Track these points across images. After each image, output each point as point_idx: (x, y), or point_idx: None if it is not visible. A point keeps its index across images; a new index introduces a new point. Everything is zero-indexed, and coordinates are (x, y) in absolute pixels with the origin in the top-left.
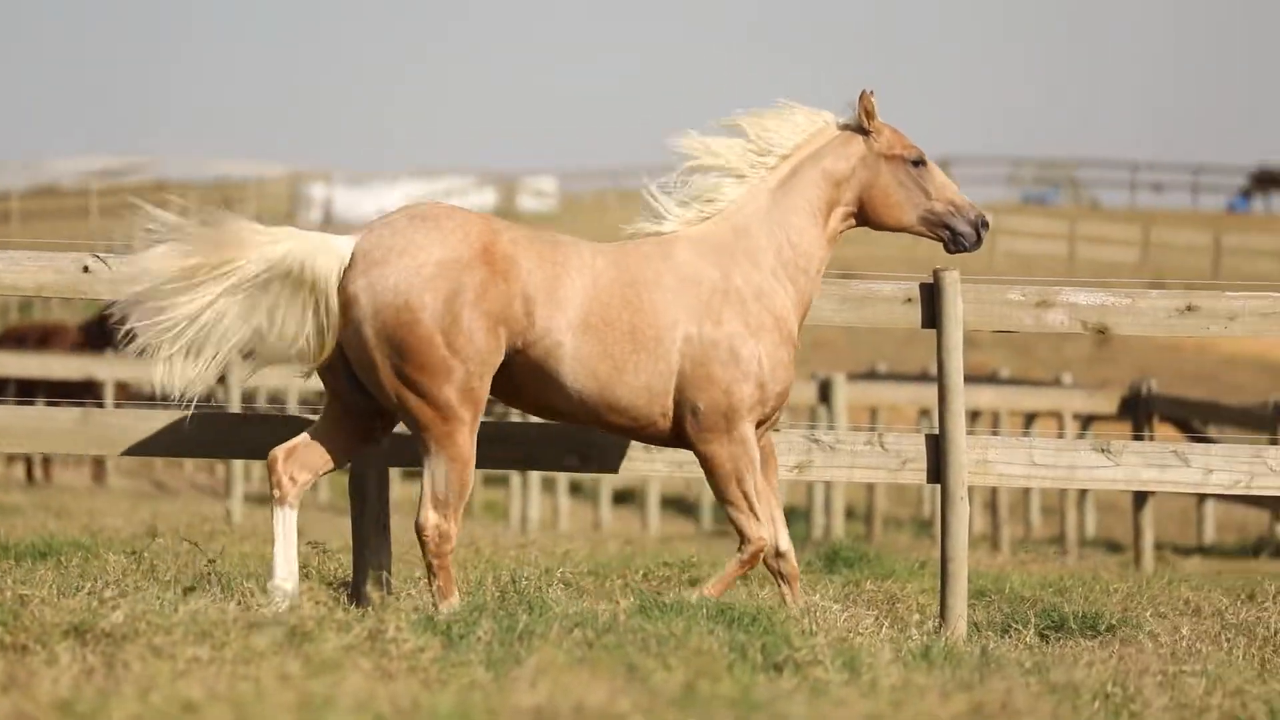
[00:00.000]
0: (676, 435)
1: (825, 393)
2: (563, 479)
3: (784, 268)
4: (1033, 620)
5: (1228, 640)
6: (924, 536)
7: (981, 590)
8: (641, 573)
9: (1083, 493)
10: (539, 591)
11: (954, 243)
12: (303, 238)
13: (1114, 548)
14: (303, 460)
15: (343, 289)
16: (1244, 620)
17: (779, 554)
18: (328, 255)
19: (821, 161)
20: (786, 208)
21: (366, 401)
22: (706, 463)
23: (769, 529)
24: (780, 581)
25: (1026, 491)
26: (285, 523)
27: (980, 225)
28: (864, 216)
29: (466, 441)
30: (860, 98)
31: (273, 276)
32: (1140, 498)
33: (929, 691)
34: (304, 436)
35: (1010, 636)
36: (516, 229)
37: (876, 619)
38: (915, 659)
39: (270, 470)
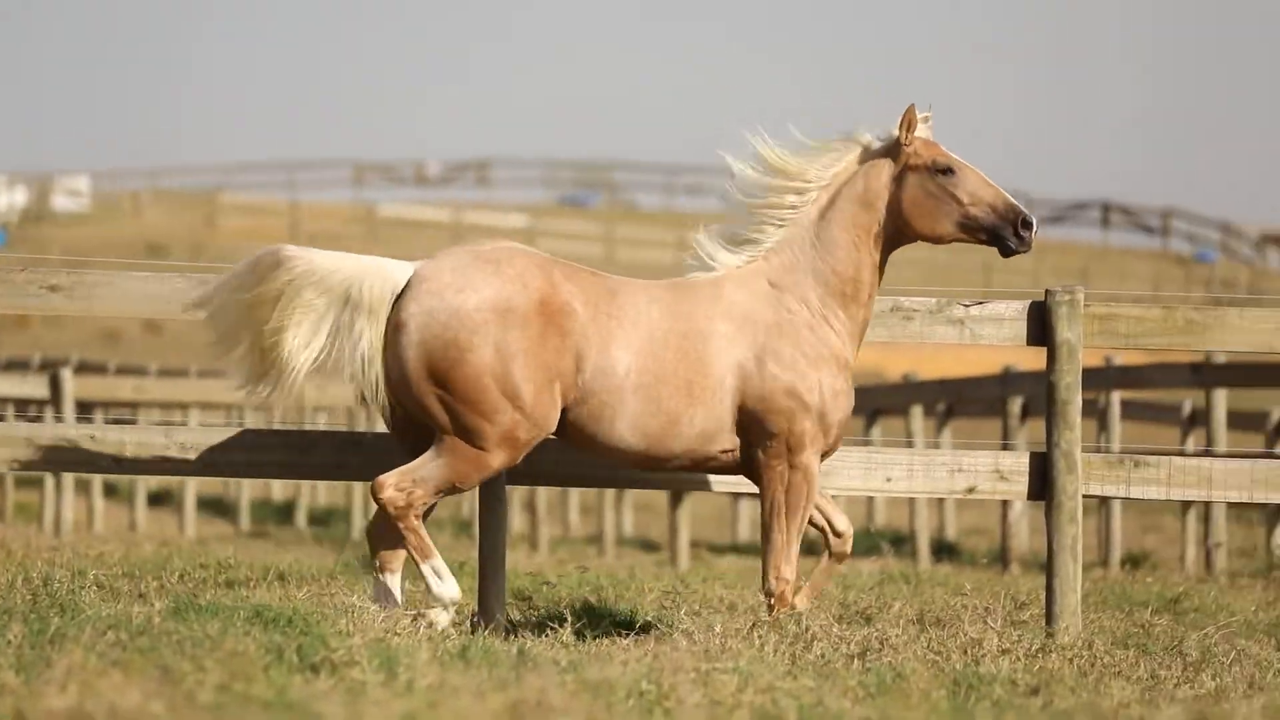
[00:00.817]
0: (741, 466)
1: None
2: (98, 480)
3: (833, 297)
4: (569, 619)
5: (760, 637)
6: (463, 536)
7: (519, 590)
8: (178, 575)
9: (620, 492)
10: (72, 594)
11: (1000, 246)
12: (357, 262)
13: (650, 546)
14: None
15: (395, 312)
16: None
17: (838, 534)
18: (382, 279)
19: (855, 187)
20: (828, 239)
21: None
22: (761, 489)
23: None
24: (830, 559)
25: (565, 491)
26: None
27: (1021, 225)
28: (902, 232)
29: (483, 471)
30: (906, 111)
31: (331, 301)
32: (677, 497)
33: (464, 691)
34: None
35: (547, 635)
36: (577, 277)
37: (414, 619)
38: (452, 659)
39: (377, 497)
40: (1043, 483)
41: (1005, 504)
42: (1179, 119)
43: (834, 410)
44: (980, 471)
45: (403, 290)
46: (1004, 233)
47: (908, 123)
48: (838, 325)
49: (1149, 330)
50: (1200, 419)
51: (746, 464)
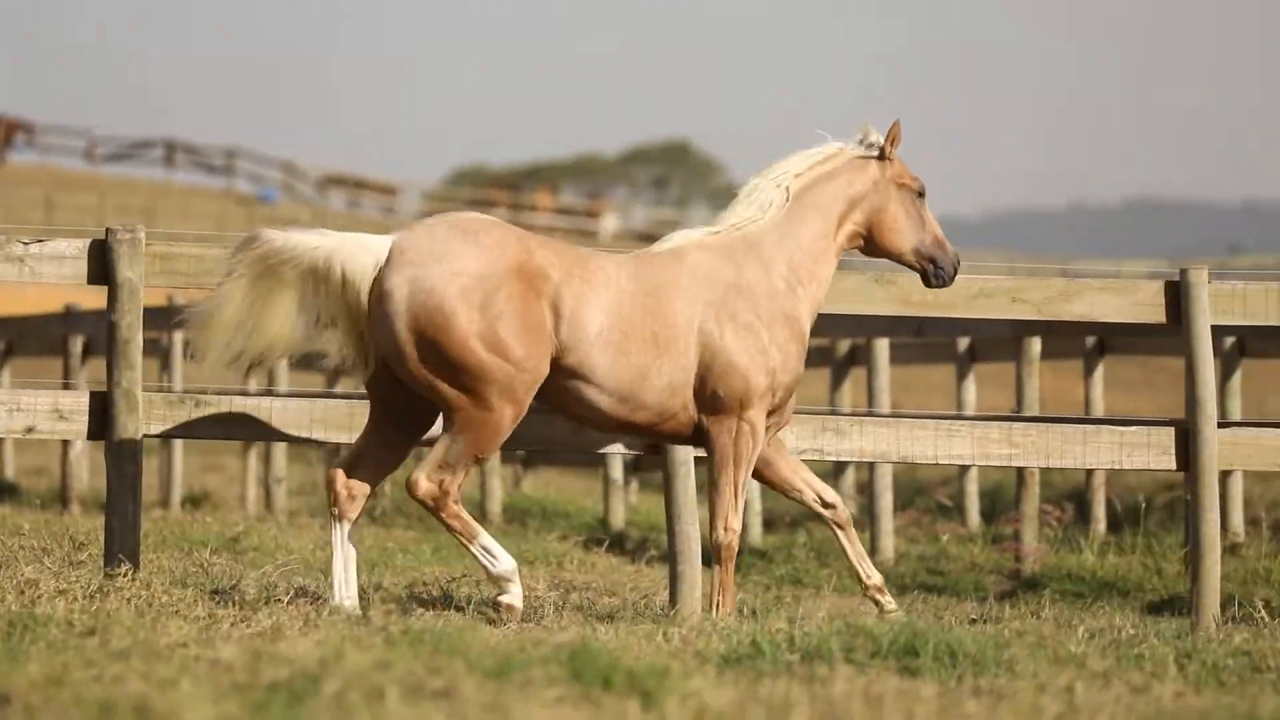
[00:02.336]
0: (696, 428)
1: None
2: None
3: (794, 273)
4: None
5: None
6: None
7: None
8: None
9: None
10: None
11: (936, 276)
12: (337, 238)
13: None
14: (363, 475)
15: (378, 282)
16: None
17: (827, 505)
18: (362, 253)
19: (837, 179)
20: (799, 219)
21: (408, 400)
22: (710, 443)
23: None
24: (838, 531)
25: None
26: (342, 538)
27: (956, 264)
28: (868, 240)
29: (497, 432)
30: (893, 125)
31: (314, 277)
32: None
33: None
34: (356, 450)
35: None
36: (549, 245)
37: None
38: None
39: (329, 486)
40: (103, 422)
41: (66, 444)
42: None
43: (783, 372)
44: (39, 411)
45: (384, 262)
46: (944, 266)
47: (893, 138)
48: (795, 297)
49: (209, 269)
50: None
51: (701, 421)
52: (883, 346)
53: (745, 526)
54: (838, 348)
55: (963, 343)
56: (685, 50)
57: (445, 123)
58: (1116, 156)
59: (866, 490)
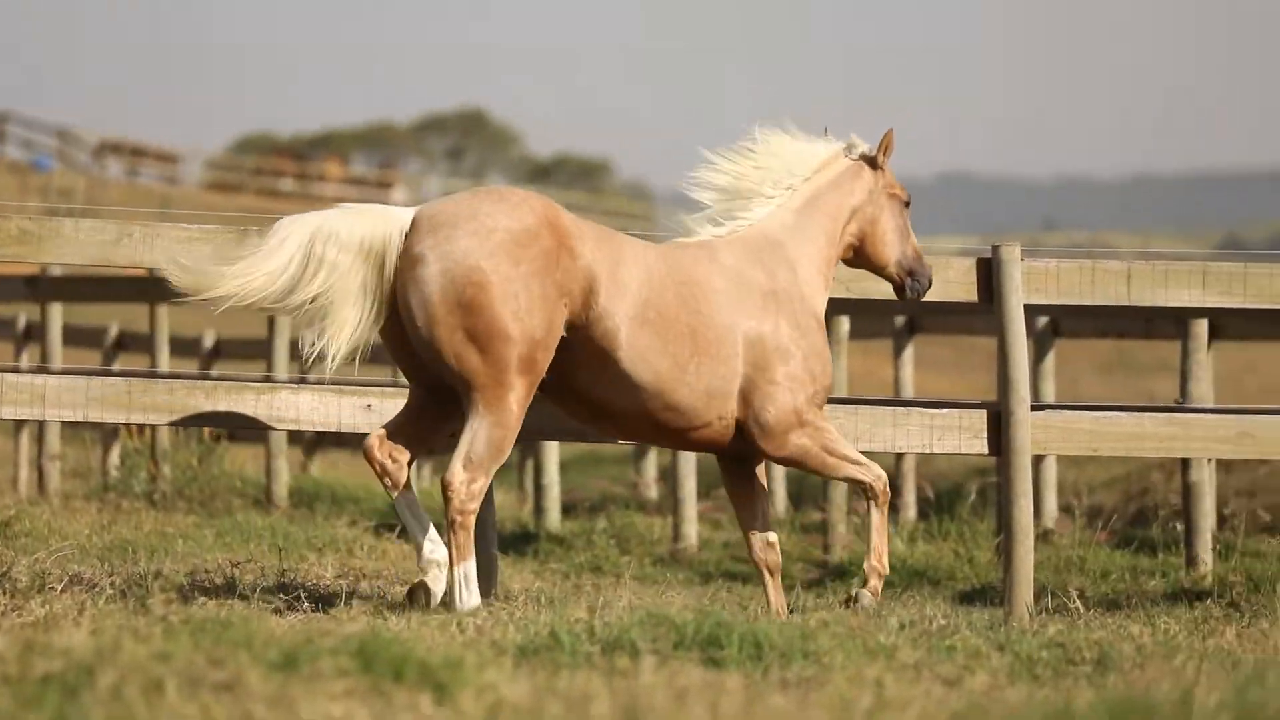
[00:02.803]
0: (731, 440)
1: None
2: None
3: (817, 276)
4: None
5: None
6: None
7: None
8: None
9: None
10: None
11: (912, 289)
12: (360, 210)
13: None
14: (401, 442)
15: (406, 251)
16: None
17: (769, 544)
18: (386, 223)
19: (839, 189)
20: (814, 224)
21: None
22: (796, 462)
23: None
24: (765, 573)
25: None
26: (408, 505)
27: (930, 279)
28: (858, 251)
29: (517, 408)
30: (885, 134)
31: (340, 251)
32: None
33: None
34: (393, 423)
35: None
36: (572, 214)
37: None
38: None
39: (369, 460)
40: None
41: None
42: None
43: (823, 376)
44: None
45: (409, 232)
46: (920, 279)
47: (886, 146)
48: (821, 300)
49: None
50: (36, 334)
51: (755, 440)
52: None
53: (543, 511)
54: None
55: None
56: (482, 13)
57: (230, 88)
58: (927, 131)
59: (670, 475)
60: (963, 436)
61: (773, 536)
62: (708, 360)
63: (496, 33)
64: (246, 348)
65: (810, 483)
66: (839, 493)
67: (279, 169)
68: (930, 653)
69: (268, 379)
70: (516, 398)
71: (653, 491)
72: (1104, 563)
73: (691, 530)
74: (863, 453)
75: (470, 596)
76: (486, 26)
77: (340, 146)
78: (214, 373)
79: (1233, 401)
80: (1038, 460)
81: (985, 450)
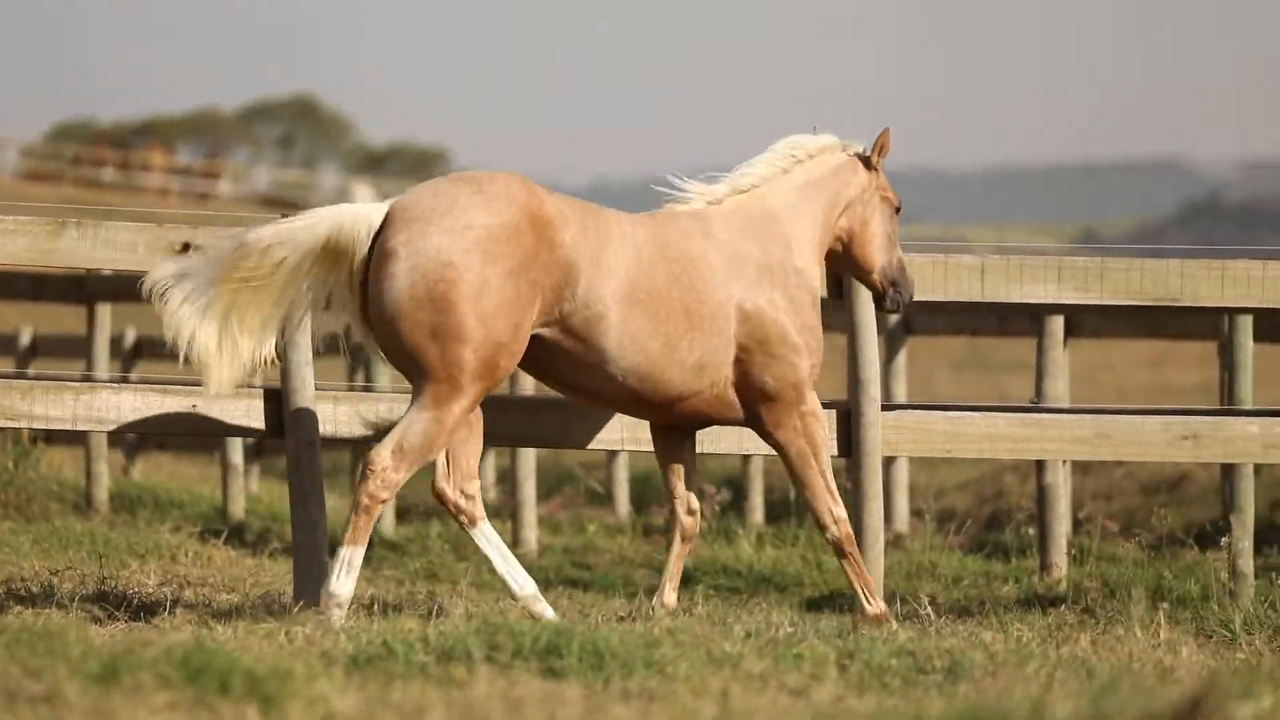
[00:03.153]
0: (718, 413)
1: None
2: None
3: (814, 254)
4: None
5: None
6: None
7: None
8: None
9: None
10: None
11: (893, 301)
12: (333, 211)
13: None
14: (461, 474)
15: (379, 246)
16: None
17: (691, 510)
18: (355, 220)
19: (837, 178)
20: (808, 207)
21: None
22: (781, 446)
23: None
24: (679, 538)
25: None
26: (487, 538)
27: (913, 292)
28: (844, 249)
29: (459, 412)
30: (881, 134)
31: (310, 256)
32: None
33: None
34: (447, 456)
35: None
36: (556, 194)
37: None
38: None
39: (443, 502)
40: None
41: None
42: None
43: (818, 351)
44: None
45: (382, 224)
46: (903, 290)
47: (881, 147)
48: (817, 277)
49: None
50: None
51: (758, 416)
52: None
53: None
54: None
55: None
56: None
57: (47, 71)
58: (780, 119)
59: (509, 478)
60: None
61: (696, 503)
62: (701, 335)
63: (329, 13)
64: (65, 345)
65: (652, 485)
66: None
67: (99, 158)
68: (777, 662)
69: (88, 379)
70: (464, 402)
71: (491, 494)
72: (956, 568)
73: (531, 535)
74: (709, 455)
75: (344, 583)
76: (318, 6)
77: (164, 134)
78: (31, 371)
79: (1089, 400)
80: (889, 462)
81: (835, 451)
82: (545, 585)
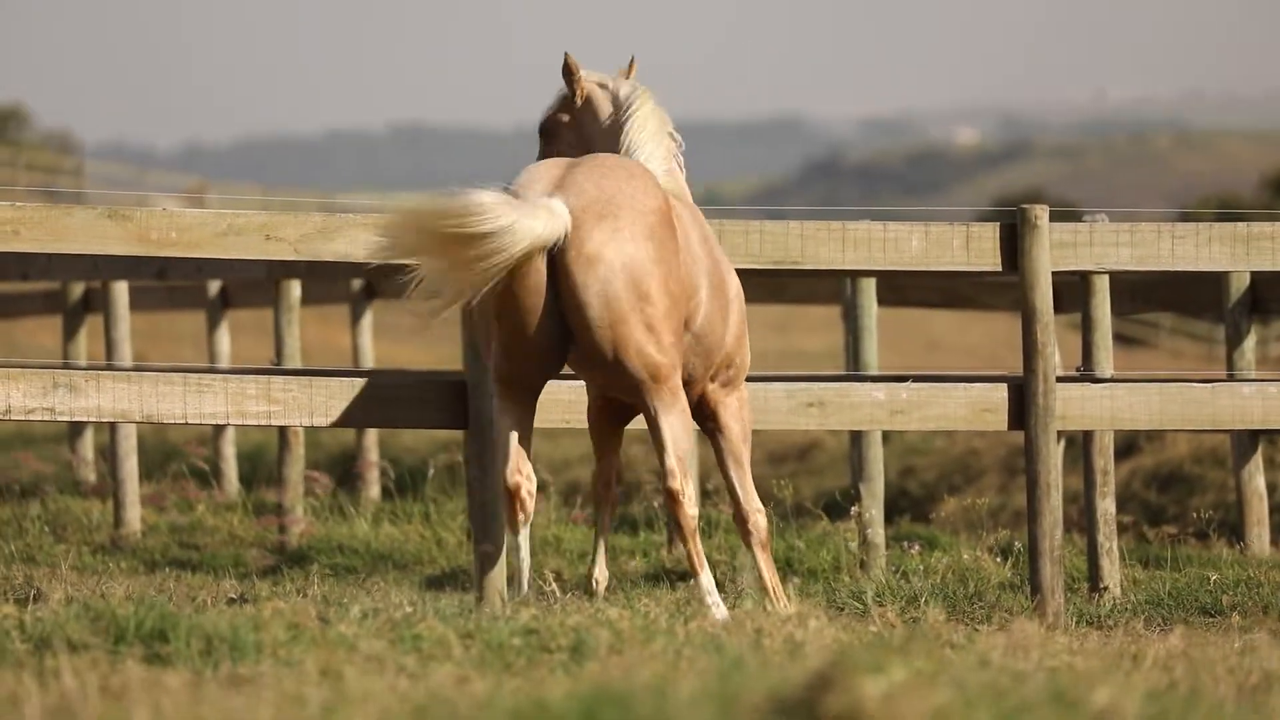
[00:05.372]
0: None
1: None
2: None
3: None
4: None
5: None
6: None
7: None
8: None
9: None
10: None
11: None
12: (521, 207)
13: None
14: (528, 467)
15: (578, 249)
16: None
17: (610, 485)
18: (552, 221)
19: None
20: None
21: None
22: (728, 420)
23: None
24: (607, 508)
25: None
26: (526, 540)
27: None
28: None
29: (688, 401)
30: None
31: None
32: None
33: None
34: (519, 450)
35: None
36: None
37: None
38: None
39: (514, 497)
40: None
41: None
42: None
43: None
44: None
45: (574, 226)
46: None
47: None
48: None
49: None
50: None
51: (710, 393)
52: (121, 290)
53: None
54: (70, 292)
55: (214, 286)
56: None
57: None
58: (378, 81)
59: (109, 454)
60: (426, 409)
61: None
62: (729, 314)
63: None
64: None
65: (264, 462)
66: (295, 472)
67: None
68: (394, 644)
69: None
70: (679, 384)
71: (88, 472)
72: (581, 543)
73: (134, 515)
74: (321, 430)
75: (721, 608)
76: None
77: None
78: None
79: None
80: None
81: (454, 425)
82: (151, 566)
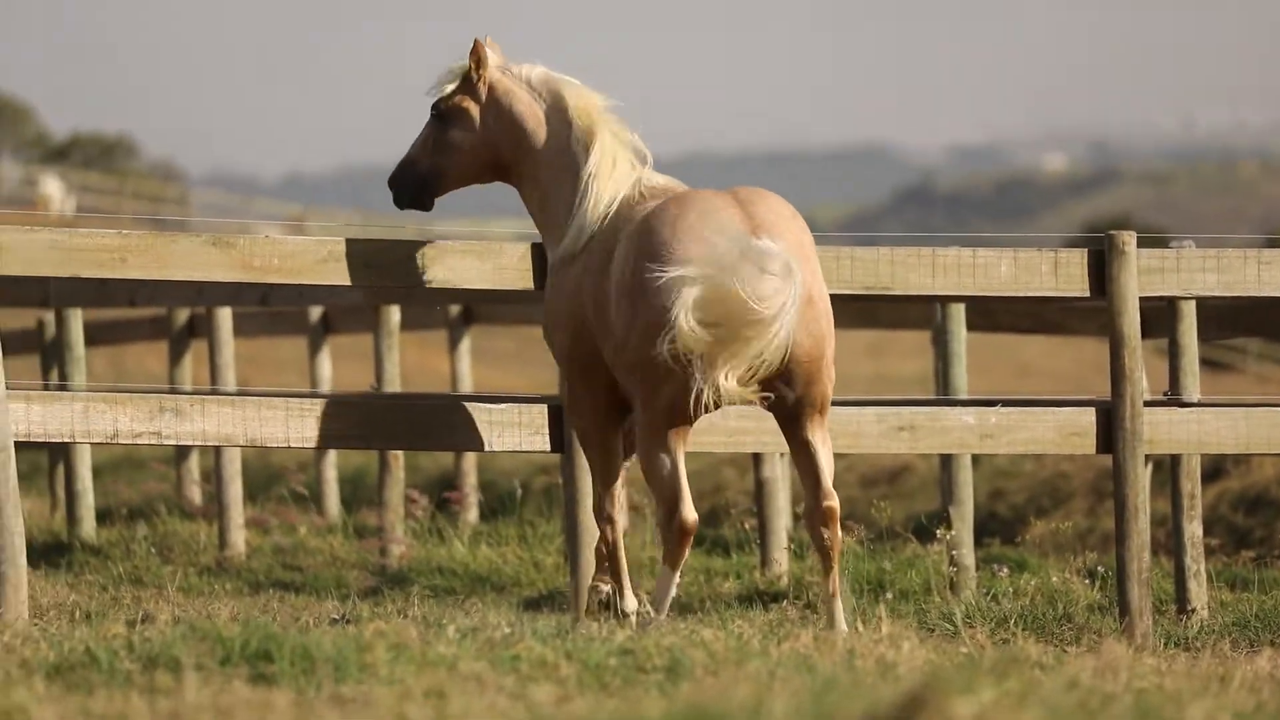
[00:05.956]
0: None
1: None
2: None
3: None
4: None
5: None
6: None
7: None
8: None
9: None
10: None
11: None
12: (789, 276)
13: None
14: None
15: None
16: None
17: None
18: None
19: None
20: None
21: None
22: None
23: None
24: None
25: None
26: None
27: None
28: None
29: None
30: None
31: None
32: None
33: None
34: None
35: None
36: None
37: None
38: None
39: (687, 532)
40: None
41: None
42: None
43: None
44: None
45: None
46: None
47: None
48: None
49: None
50: None
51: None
52: (225, 316)
53: (76, 520)
54: (175, 318)
55: (315, 312)
56: None
57: None
58: None
59: (214, 478)
60: (523, 433)
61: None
62: None
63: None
64: None
65: (364, 485)
66: (395, 495)
67: None
68: (494, 664)
69: None
70: None
71: (197, 496)
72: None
73: (239, 537)
74: (420, 452)
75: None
76: None
77: None
78: None
79: None
80: None
81: (548, 447)
82: (255, 588)
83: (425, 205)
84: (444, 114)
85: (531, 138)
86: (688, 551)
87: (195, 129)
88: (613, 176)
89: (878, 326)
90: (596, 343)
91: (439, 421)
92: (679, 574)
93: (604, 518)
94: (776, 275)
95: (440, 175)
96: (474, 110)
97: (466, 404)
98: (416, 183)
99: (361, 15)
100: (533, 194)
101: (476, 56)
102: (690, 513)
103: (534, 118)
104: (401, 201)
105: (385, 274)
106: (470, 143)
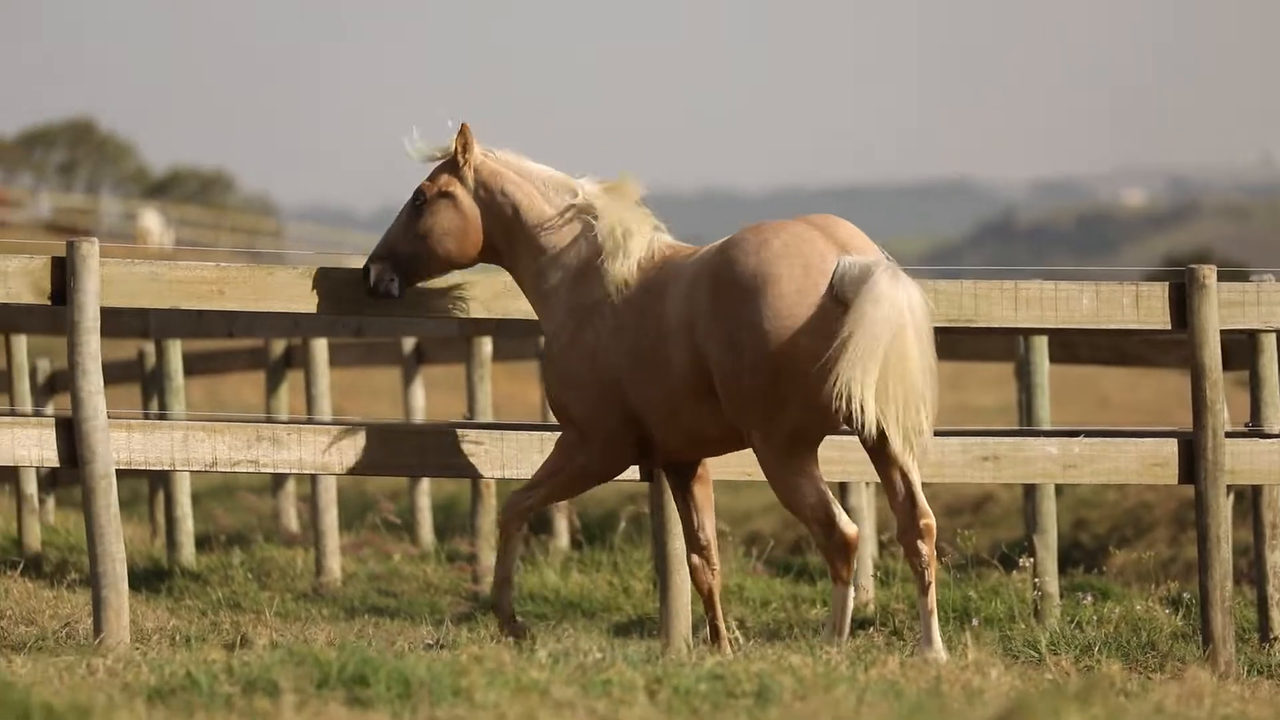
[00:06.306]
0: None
1: None
2: None
3: None
4: None
5: None
6: None
7: None
8: None
9: None
10: None
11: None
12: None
13: None
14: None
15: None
16: None
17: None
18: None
19: None
20: None
21: None
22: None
23: None
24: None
25: None
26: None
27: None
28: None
29: None
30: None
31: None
32: None
33: None
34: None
35: None
36: None
37: None
38: None
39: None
40: None
41: None
42: None
43: None
44: None
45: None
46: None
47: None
48: None
49: None
50: None
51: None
52: (321, 347)
53: (176, 546)
54: (272, 349)
55: (409, 343)
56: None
57: None
58: (570, 143)
59: (310, 505)
60: None
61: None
62: None
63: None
64: None
65: (457, 513)
66: (487, 523)
67: None
68: (585, 688)
69: None
70: None
71: (294, 523)
72: (763, 591)
73: (335, 563)
74: (511, 480)
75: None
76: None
77: None
78: None
79: None
80: None
81: (636, 476)
82: (350, 613)
83: (401, 292)
84: (428, 198)
85: (525, 215)
86: (855, 564)
87: (290, 163)
88: (634, 236)
89: (957, 358)
90: (629, 393)
91: (529, 451)
92: (851, 589)
93: (515, 516)
94: (889, 288)
95: (426, 259)
96: (461, 193)
97: (558, 433)
98: (399, 269)
99: (455, 56)
100: (528, 269)
101: (464, 140)
102: (849, 526)
103: (526, 195)
104: (376, 291)
105: (478, 306)
106: (457, 226)
